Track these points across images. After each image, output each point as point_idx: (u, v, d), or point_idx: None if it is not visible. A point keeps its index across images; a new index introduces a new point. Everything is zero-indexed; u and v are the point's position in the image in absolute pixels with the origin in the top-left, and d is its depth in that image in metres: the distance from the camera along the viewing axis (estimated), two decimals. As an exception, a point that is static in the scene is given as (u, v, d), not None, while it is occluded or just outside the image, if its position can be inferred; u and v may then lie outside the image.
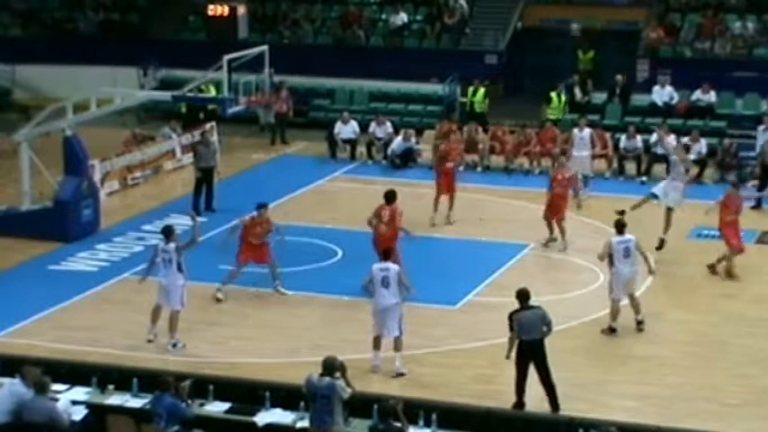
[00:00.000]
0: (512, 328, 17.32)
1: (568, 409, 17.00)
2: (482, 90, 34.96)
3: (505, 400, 17.53)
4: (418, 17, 40.61)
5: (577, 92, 35.65)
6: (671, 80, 34.79)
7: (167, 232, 19.94)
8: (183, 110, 35.18)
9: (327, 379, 14.84)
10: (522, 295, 17.47)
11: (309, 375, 14.99)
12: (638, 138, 31.46)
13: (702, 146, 30.75)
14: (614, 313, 20.41)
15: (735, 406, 17.53)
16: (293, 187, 29.64)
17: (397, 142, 32.51)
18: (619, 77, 35.35)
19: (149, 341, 19.81)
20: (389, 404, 14.45)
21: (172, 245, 19.70)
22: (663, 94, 34.32)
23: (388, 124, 33.45)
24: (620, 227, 20.62)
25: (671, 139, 28.82)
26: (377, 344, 18.85)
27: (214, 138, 31.41)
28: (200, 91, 30.83)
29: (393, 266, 19.05)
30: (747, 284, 22.95)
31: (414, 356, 19.27)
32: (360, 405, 15.24)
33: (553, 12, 39.82)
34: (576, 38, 38.43)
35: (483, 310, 21.58)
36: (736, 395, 17.93)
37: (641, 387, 18.16)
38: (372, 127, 33.28)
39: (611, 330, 20.32)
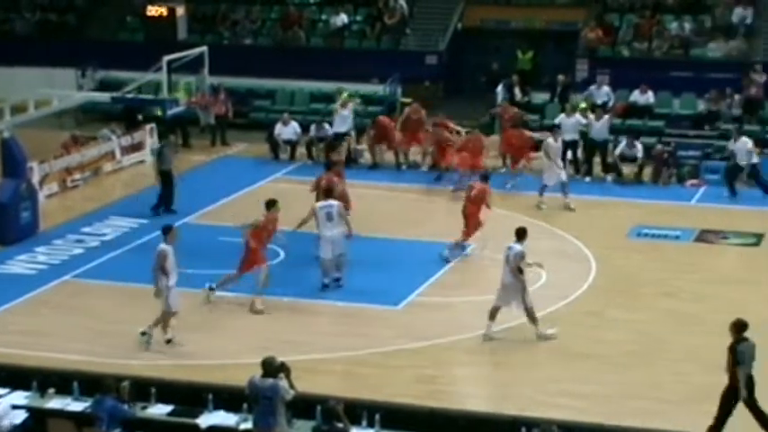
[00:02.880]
0: (738, 362, 16.14)
1: (511, 408, 17.06)
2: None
3: (448, 400, 17.61)
4: (358, 18, 40.62)
5: (517, 92, 35.82)
6: (609, 80, 35.02)
7: (170, 230, 19.86)
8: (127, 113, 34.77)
9: (270, 380, 14.81)
10: (740, 326, 16.35)
11: (252, 377, 14.96)
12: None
13: (638, 147, 30.89)
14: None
15: (675, 403, 17.68)
16: (234, 189, 29.57)
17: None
18: (561, 77, 35.58)
19: (168, 341, 19.81)
20: (332, 405, 14.44)
21: (172, 246, 19.64)
22: (600, 94, 34.56)
23: (294, 124, 33.30)
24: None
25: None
26: (325, 266, 22.10)
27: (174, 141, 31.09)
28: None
29: (335, 202, 21.79)
30: (686, 283, 23.15)
31: (356, 357, 19.30)
32: (303, 406, 15.22)
33: (492, 12, 39.96)
34: (516, 38, 38.63)
35: (425, 311, 21.63)
36: (677, 392, 18.09)
37: (583, 386, 18.26)
38: (312, 130, 33.16)
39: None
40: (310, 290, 22.39)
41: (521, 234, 20.40)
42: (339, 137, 32.51)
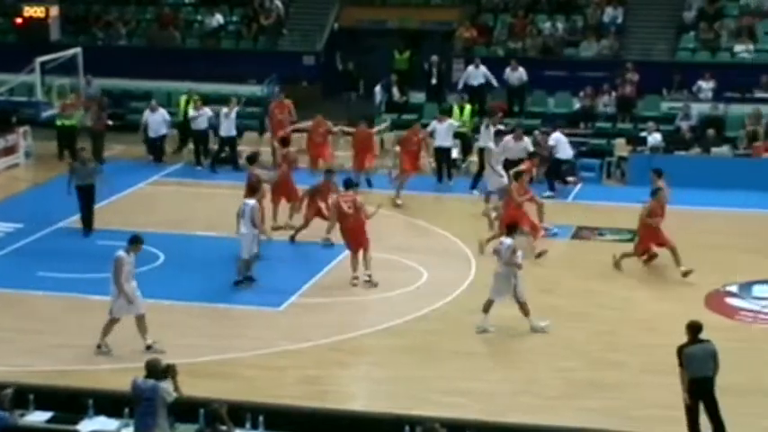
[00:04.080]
0: (681, 364, 16.00)
1: (394, 407, 17.12)
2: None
3: (331, 400, 17.63)
4: (234, 18, 40.47)
5: (395, 92, 36.01)
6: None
7: (137, 242, 19.45)
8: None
9: (151, 381, 14.70)
10: (693, 328, 16.18)
11: (135, 378, 14.83)
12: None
13: (528, 144, 31.14)
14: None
15: (555, 398, 17.88)
16: (113, 191, 29.15)
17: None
18: (434, 58, 35.85)
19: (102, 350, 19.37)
20: (215, 407, 14.35)
21: (133, 256, 19.31)
22: (477, 75, 34.92)
23: (163, 111, 32.89)
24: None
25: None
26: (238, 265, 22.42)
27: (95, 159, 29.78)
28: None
29: (250, 202, 22.10)
30: (564, 279, 23.47)
31: (239, 359, 19.21)
32: (186, 409, 15.11)
33: (368, 12, 40.11)
34: (392, 38, 38.82)
35: (307, 312, 21.61)
36: (557, 388, 18.31)
37: (465, 383, 18.39)
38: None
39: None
40: (192, 292, 22.22)
41: (511, 229, 20.95)
42: (230, 140, 32.27)
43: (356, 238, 23.03)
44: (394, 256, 24.34)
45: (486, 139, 29.51)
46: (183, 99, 34.35)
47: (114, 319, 19.41)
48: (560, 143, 30.38)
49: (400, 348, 19.86)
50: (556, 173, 30.18)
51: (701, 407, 16.00)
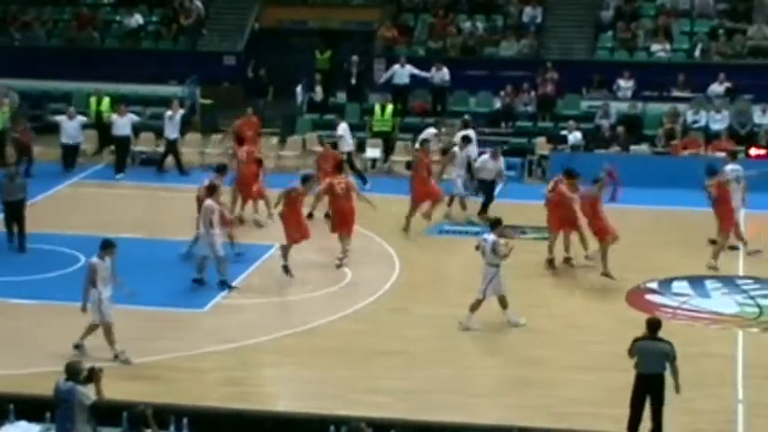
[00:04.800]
0: (630, 352, 16.17)
1: (319, 407, 17.13)
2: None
3: (256, 401, 17.57)
4: (154, 18, 40.16)
5: (319, 92, 36.02)
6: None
7: (109, 246, 19.12)
8: None
9: (70, 384, 14.56)
10: (651, 324, 16.27)
11: (58, 380, 14.68)
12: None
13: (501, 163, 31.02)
14: None
15: (480, 396, 17.96)
16: (32, 193, 28.75)
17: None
18: (354, 58, 35.96)
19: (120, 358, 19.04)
20: (139, 410, 14.19)
21: (108, 260, 19.00)
22: (403, 73, 35.05)
23: (81, 118, 32.42)
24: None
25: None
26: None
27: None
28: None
29: (209, 204, 22.17)
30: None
31: (163, 361, 19.07)
32: (109, 413, 14.96)
33: (289, 12, 40.07)
34: (313, 38, 38.80)
35: (231, 312, 21.53)
36: (481, 386, 18.41)
37: (390, 382, 18.40)
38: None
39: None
40: (114, 295, 21.96)
41: (495, 224, 21.07)
42: (173, 143, 32.05)
43: (344, 220, 23.98)
44: (318, 257, 24.32)
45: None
46: (93, 100, 34.11)
47: (108, 324, 19.08)
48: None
49: (325, 348, 19.83)
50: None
51: (647, 403, 16.10)
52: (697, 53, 36.18)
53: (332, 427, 15.41)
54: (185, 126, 33.95)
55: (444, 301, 22.17)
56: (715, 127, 33.43)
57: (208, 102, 35.74)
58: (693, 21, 37.62)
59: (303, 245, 23.61)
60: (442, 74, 35.20)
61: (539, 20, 38.04)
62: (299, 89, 35.95)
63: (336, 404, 17.27)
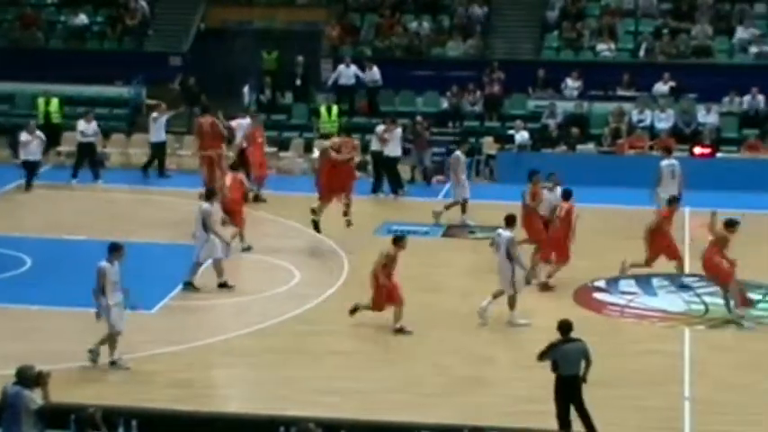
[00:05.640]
0: (545, 356, 16.16)
1: (268, 408, 17.09)
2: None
3: (205, 403, 17.51)
4: (99, 18, 39.89)
5: (268, 92, 35.96)
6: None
7: (117, 249, 18.79)
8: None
9: (17, 387, 14.43)
10: (565, 327, 16.26)
11: (5, 384, 14.55)
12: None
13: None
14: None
15: (433, 396, 17.96)
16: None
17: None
18: (299, 58, 35.96)
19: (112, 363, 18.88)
20: (90, 412, 14.13)
21: (117, 264, 18.70)
22: (348, 74, 35.05)
23: (39, 133, 31.38)
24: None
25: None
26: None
27: None
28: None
29: (206, 207, 22.18)
30: (439, 277, 23.63)
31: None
32: (58, 416, 14.86)
33: (234, 13, 40.01)
34: (259, 38, 38.70)
35: (179, 314, 21.46)
36: (435, 386, 18.39)
37: (341, 382, 18.39)
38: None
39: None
40: (61, 297, 21.83)
41: (510, 221, 21.14)
42: (159, 146, 31.82)
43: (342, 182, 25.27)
44: (267, 257, 24.28)
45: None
46: (41, 101, 33.80)
47: (117, 333, 18.84)
48: (395, 139, 30.39)
49: (274, 349, 19.79)
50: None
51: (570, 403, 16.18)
52: (641, 53, 36.50)
53: (281, 428, 15.42)
54: (131, 127, 33.78)
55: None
56: (660, 126, 33.76)
57: (154, 102, 35.51)
58: (638, 20, 37.92)
59: (256, 245, 23.52)
60: (373, 73, 35.23)
61: (485, 20, 38.13)
62: (245, 89, 35.85)
63: (287, 405, 17.23)
